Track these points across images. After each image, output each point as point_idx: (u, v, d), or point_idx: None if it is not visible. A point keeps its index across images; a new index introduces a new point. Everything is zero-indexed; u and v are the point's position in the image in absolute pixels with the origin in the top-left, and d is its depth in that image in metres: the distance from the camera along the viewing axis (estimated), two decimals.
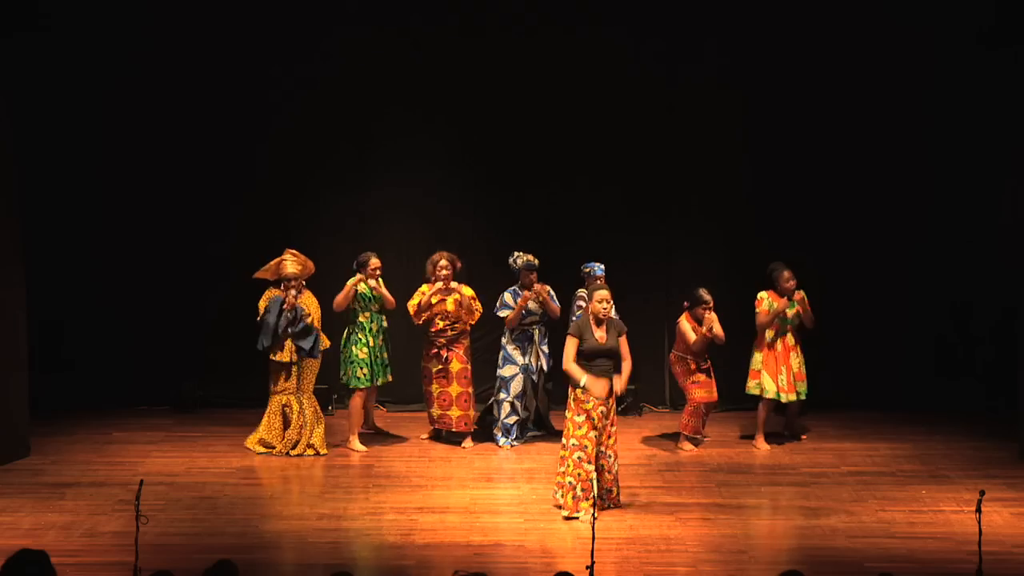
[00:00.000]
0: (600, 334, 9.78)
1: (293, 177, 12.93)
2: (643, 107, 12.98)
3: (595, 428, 9.66)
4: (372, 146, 12.99)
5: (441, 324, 11.64)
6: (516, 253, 11.74)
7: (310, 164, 12.95)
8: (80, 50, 12.56)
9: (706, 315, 11.36)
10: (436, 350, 11.68)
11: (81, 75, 12.62)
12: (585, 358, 9.75)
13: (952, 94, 12.79)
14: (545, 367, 11.81)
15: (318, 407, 11.57)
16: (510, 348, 11.80)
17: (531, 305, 11.72)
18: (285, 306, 11.25)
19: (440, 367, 11.68)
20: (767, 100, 12.91)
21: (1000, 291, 12.38)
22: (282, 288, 11.36)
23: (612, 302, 9.94)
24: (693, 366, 11.46)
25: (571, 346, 9.78)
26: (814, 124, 12.89)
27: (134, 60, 12.69)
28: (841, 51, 12.80)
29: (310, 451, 11.44)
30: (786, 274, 11.59)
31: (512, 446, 11.72)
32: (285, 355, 11.37)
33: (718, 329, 11.35)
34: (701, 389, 11.51)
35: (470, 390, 11.77)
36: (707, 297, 11.43)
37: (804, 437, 11.97)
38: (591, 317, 9.85)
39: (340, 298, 11.51)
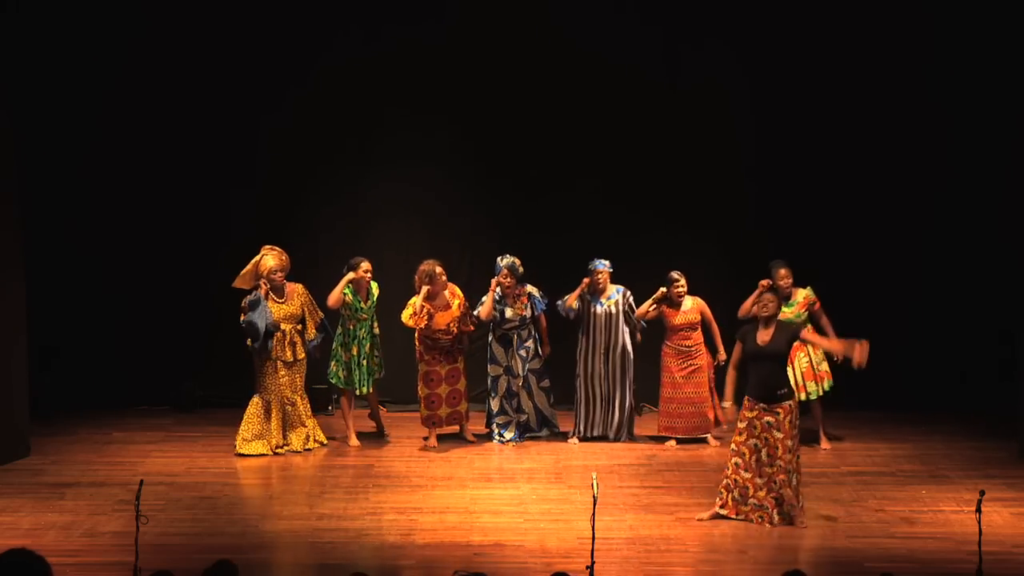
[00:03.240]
0: (763, 336, 9.58)
1: (293, 176, 12.94)
2: (645, 107, 12.98)
3: (755, 436, 9.51)
4: (372, 144, 13.00)
5: (451, 328, 11.60)
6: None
7: (310, 163, 12.97)
8: (77, 50, 12.59)
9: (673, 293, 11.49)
10: (447, 352, 11.64)
11: (80, 75, 12.64)
12: (748, 359, 9.64)
13: (953, 93, 12.80)
14: (524, 361, 11.77)
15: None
16: (495, 348, 11.82)
17: (508, 313, 11.69)
18: (261, 291, 11.27)
19: (453, 366, 11.66)
20: (770, 100, 12.92)
21: (1001, 291, 12.38)
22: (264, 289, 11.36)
23: (775, 301, 9.69)
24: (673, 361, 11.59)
25: (735, 351, 9.73)
26: (818, 124, 12.90)
27: (132, 58, 12.70)
28: (845, 50, 12.81)
29: (315, 444, 11.53)
30: (782, 272, 11.41)
31: (515, 443, 11.73)
32: (287, 353, 11.38)
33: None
34: (667, 388, 11.70)
35: (466, 381, 11.79)
36: (674, 275, 11.50)
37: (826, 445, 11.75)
38: (760, 320, 9.69)
39: (335, 293, 11.49)
